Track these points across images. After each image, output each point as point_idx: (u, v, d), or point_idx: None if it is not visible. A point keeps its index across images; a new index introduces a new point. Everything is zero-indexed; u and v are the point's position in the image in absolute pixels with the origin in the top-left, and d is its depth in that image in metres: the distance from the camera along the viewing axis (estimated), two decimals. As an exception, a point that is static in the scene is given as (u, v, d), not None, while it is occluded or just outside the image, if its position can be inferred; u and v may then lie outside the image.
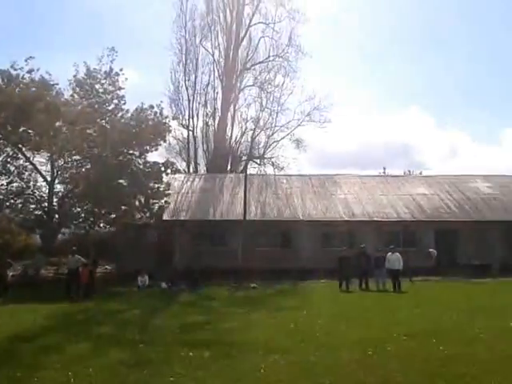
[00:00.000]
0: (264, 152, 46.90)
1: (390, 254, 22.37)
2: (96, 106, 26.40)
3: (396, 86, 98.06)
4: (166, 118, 27.69)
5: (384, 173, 41.57)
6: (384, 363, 8.78)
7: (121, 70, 27.11)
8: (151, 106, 27.06)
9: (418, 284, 23.79)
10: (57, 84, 26.65)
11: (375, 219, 30.19)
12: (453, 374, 8.06)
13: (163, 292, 22.20)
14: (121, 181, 26.52)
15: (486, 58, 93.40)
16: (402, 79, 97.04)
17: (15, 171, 27.47)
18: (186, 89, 48.10)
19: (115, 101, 27.09)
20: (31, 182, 28.21)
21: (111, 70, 26.96)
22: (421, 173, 46.16)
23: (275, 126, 47.58)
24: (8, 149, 26.84)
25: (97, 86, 27.08)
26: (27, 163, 27.65)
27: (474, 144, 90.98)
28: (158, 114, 27.03)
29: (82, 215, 27.69)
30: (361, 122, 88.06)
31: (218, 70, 48.50)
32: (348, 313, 14.87)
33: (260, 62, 47.59)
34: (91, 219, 27.55)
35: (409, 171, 46.93)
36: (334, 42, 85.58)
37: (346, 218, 30.23)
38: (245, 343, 10.43)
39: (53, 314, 15.34)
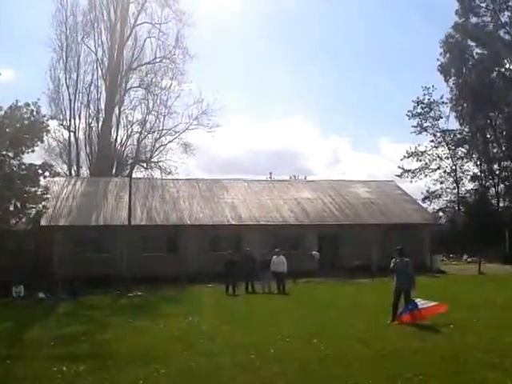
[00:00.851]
0: (151, 156, 45.97)
1: (275, 256, 22.60)
2: (-37, 102, 24.33)
3: (281, 93, 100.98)
4: (44, 117, 26.04)
5: (270, 178, 42.41)
6: (266, 366, 8.75)
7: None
8: (27, 104, 25.24)
9: (301, 285, 24.46)
10: None
11: (261, 223, 30.64)
12: (333, 374, 8.19)
13: (40, 303, 20.89)
14: (-8, 184, 24.63)
15: (363, 69, 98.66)
16: (287, 87, 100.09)
17: None
18: (67, 87, 45.76)
19: (-13, 98, 25.17)
20: None
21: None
22: (305, 178, 47.74)
23: (162, 130, 46.80)
24: None
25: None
26: None
27: (354, 151, 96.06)
28: (34, 113, 25.42)
29: None
30: (248, 128, 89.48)
31: (102, 70, 46.76)
32: (233, 317, 14.81)
33: (146, 63, 46.61)
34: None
35: (294, 176, 48.37)
36: (221, 46, 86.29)
37: (233, 222, 30.40)
38: (124, 354, 9.95)
39: None
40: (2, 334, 13.10)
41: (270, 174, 44.34)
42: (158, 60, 46.39)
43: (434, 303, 13.08)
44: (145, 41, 47.29)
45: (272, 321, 13.80)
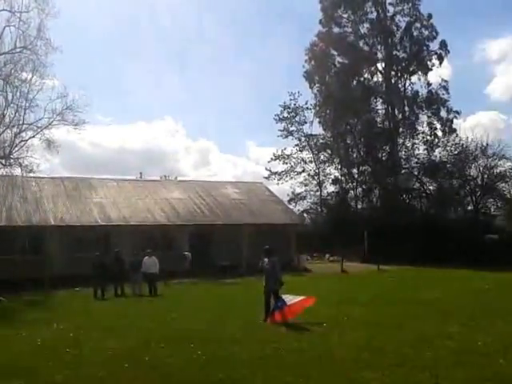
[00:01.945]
0: (10, 152, 43.05)
1: (146, 257, 22.36)
2: None
3: (150, 94, 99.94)
4: None
5: (141, 178, 41.84)
6: (142, 376, 8.55)
7: None
8: None
9: (173, 287, 24.33)
10: None
11: (132, 223, 30.22)
12: (213, 380, 8.21)
13: None
14: None
15: (231, 73, 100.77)
16: (155, 88, 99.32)
17: None
18: None
19: None
20: None
21: None
22: (176, 178, 47.74)
23: (23, 124, 44.00)
24: None
25: None
26: None
27: (222, 153, 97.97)
28: None
29: None
30: (116, 128, 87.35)
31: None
32: (103, 323, 14.33)
33: (5, 53, 43.63)
34: None
35: (165, 176, 48.15)
36: (87, 40, 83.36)
37: (102, 223, 29.60)
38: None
39: None
40: None
41: (141, 173, 43.73)
42: (18, 50, 43.42)
43: (301, 298, 13.65)
44: (3, 29, 44.14)
45: (145, 325, 13.59)
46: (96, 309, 18.29)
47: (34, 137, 44.34)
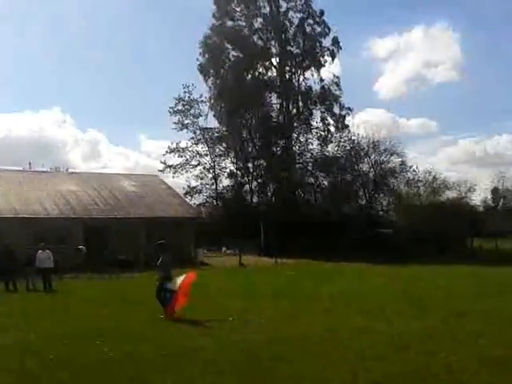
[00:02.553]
0: None
1: (40, 251, 21.38)
2: None
3: (36, 83, 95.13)
4: None
5: (30, 169, 39.80)
6: (48, 374, 8.08)
7: None
8: None
9: (68, 282, 23.53)
10: None
11: (22, 215, 28.90)
12: (122, 379, 7.95)
13: None
14: None
15: (124, 66, 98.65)
16: (43, 76, 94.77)
17: None
18: None
19: None
20: None
21: None
22: (67, 170, 45.95)
23: None
24: None
25: None
26: None
27: (113, 145, 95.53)
28: None
29: None
30: (2, 116, 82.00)
31: None
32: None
33: None
34: None
35: (55, 168, 46.07)
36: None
37: (-12, 215, 28.10)
38: None
39: None
40: None
41: (30, 164, 41.50)
42: None
43: (182, 277, 13.34)
44: None
45: (44, 322, 12.92)
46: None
47: None
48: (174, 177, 50.92)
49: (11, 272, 20.96)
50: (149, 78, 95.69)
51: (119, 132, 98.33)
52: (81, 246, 28.23)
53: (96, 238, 30.31)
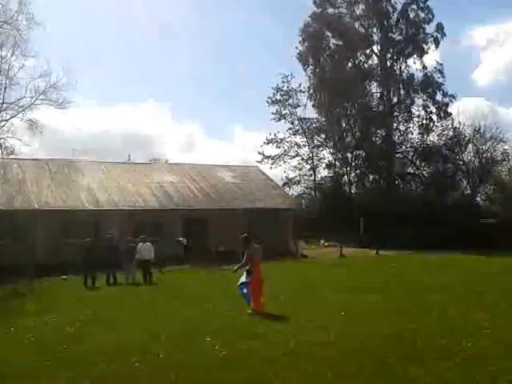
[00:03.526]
0: (-11, 133, 40.28)
1: (140, 243, 20.33)
2: None
3: (133, 76, 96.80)
4: None
5: (129, 161, 39.17)
6: (158, 376, 6.85)
7: None
8: None
9: (168, 274, 22.44)
10: None
11: (121, 207, 27.84)
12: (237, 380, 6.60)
13: None
14: None
15: (218, 56, 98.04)
16: (138, 70, 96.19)
17: None
18: None
19: None
20: None
21: None
22: (166, 161, 45.13)
23: (3, 103, 41.15)
24: None
25: None
26: None
27: (208, 138, 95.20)
28: None
29: None
30: (98, 110, 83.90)
31: None
32: (98, 314, 12.33)
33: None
34: None
35: (154, 160, 45.48)
36: (71, 16, 79.71)
37: (90, 207, 27.25)
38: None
39: None
40: None
41: (129, 156, 41.21)
42: (-4, 25, 40.60)
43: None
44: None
45: (146, 317, 11.67)
46: (88, 299, 16.14)
47: (14, 116, 41.81)
48: (271, 168, 49.04)
49: (112, 265, 19.88)
50: (244, 68, 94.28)
51: (214, 124, 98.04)
52: (181, 238, 26.93)
53: (195, 230, 28.72)
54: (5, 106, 40.85)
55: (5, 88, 41.40)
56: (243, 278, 12.00)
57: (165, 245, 24.76)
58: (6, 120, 41.63)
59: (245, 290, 11.86)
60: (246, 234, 12.91)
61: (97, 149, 68.07)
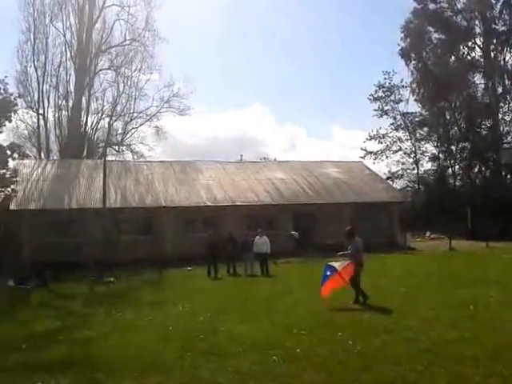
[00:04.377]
0: (122, 139, 42.93)
1: (257, 237, 20.44)
2: None
3: (242, 81, 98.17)
4: (11, 95, 23.01)
5: (241, 160, 39.87)
6: (299, 373, 6.57)
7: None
8: (-7, 81, 22.23)
9: (282, 266, 22.30)
10: None
11: (237, 203, 28.35)
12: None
13: (10, 291, 17.95)
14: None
15: (316, 59, 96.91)
16: (244, 76, 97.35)
17: None
18: (35, 69, 41.76)
19: None
20: None
21: None
22: (275, 159, 45.47)
23: (133, 113, 43.75)
24: None
25: None
26: None
27: (308, 137, 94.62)
28: (1, 90, 22.30)
29: None
30: (207, 116, 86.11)
31: (71, 52, 42.91)
32: (226, 304, 12.41)
33: (116, 46, 43.24)
34: None
35: (264, 158, 46.02)
36: (189, 29, 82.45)
37: (209, 203, 28.01)
38: (114, 360, 7.57)
39: None
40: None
41: (241, 156, 41.89)
42: (127, 42, 43.10)
43: (345, 263, 11.84)
44: (114, 23, 43.86)
45: (272, 308, 11.54)
46: (213, 289, 16.44)
47: (143, 124, 44.39)
48: (374, 163, 47.66)
49: (233, 257, 20.37)
50: (340, 68, 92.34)
51: (314, 125, 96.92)
52: (294, 232, 26.67)
53: (304, 224, 28.54)
54: (134, 115, 43.67)
55: (134, 99, 44.16)
56: (335, 264, 11.96)
57: (277, 238, 24.86)
58: (136, 128, 44.45)
59: (328, 273, 11.82)
60: (349, 227, 12.81)
61: (209, 153, 70.32)
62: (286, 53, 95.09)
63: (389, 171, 47.71)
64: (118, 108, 43.73)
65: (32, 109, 41.39)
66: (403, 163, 47.88)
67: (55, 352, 8.31)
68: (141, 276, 20.20)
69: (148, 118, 43.29)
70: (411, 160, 47.88)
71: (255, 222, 25.46)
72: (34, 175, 28.37)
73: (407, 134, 47.48)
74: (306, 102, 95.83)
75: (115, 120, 43.70)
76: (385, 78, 46.32)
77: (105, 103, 43.94)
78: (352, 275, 11.69)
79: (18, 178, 24.23)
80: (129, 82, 43.72)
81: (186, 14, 78.99)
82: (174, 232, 26.47)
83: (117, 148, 41.67)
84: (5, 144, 23.59)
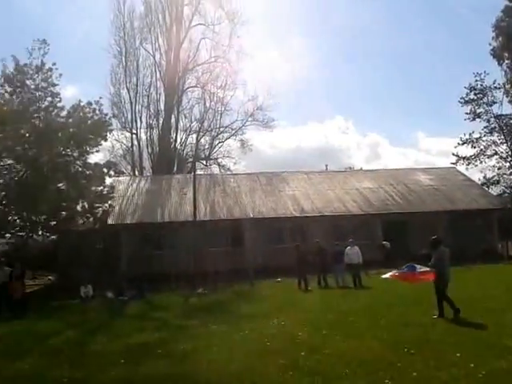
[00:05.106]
0: (209, 153, 43.80)
1: (348, 247, 19.67)
2: (28, 103, 22.46)
3: (323, 94, 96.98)
4: (107, 115, 24.11)
5: (326, 169, 39.17)
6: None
7: (54, 64, 23.19)
8: (89, 103, 23.39)
9: (374, 278, 21.08)
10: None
11: (325, 214, 27.68)
12: None
13: (109, 303, 18.41)
14: (59, 184, 22.80)
15: (398, 66, 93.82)
16: (325, 88, 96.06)
17: None
18: (128, 91, 43.87)
19: (49, 98, 23.14)
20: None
21: (43, 64, 22.97)
22: (361, 169, 44.33)
23: (220, 127, 44.58)
24: None
25: (28, 82, 22.95)
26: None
27: (393, 147, 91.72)
28: (97, 111, 23.41)
29: (19, 223, 23.55)
30: (288, 130, 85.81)
31: (160, 72, 44.65)
32: (325, 318, 11.67)
33: (202, 63, 44.45)
34: (28, 227, 23.49)
35: (350, 168, 44.97)
36: (270, 43, 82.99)
37: (296, 214, 27.58)
38: (213, 377, 7.17)
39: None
40: (67, 345, 10.47)
41: (326, 166, 41.19)
42: (212, 60, 44.12)
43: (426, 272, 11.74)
44: (199, 42, 45.15)
45: (373, 323, 10.68)
46: (307, 301, 15.74)
47: (229, 138, 45.14)
48: (467, 169, 44.63)
49: (322, 268, 19.68)
50: (424, 76, 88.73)
51: (398, 133, 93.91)
52: (385, 242, 25.56)
53: (395, 233, 27.22)
54: (221, 129, 44.56)
55: (220, 114, 45.12)
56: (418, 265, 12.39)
57: (366, 248, 23.88)
58: (222, 142, 45.29)
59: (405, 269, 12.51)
60: (435, 237, 12.22)
61: (292, 163, 69.91)
62: (366, 60, 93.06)
63: (484, 177, 44.68)
64: (205, 124, 44.74)
65: (126, 129, 43.40)
66: (499, 168, 44.63)
67: (154, 367, 8.09)
68: (231, 288, 20.06)
69: (233, 132, 43.82)
70: (507, 164, 44.59)
71: (343, 233, 24.71)
72: (129, 191, 29.47)
73: (502, 137, 44.24)
74: (389, 111, 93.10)
75: (202, 135, 44.73)
76: (476, 80, 43.55)
77: (192, 119, 45.17)
78: (436, 287, 11.17)
79: (114, 194, 25.21)
80: (215, 98, 44.66)
81: (267, 29, 79.57)
82: (262, 243, 26.25)
83: (205, 162, 42.55)
84: (101, 162, 24.79)
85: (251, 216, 27.09)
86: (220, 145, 44.78)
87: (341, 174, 35.25)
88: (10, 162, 23.15)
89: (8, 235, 24.51)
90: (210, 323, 11.87)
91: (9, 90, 22.84)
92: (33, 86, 22.93)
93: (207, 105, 44.72)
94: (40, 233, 24.79)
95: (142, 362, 8.51)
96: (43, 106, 22.99)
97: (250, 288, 20.11)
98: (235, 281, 21.08)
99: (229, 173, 32.14)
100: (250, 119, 44.32)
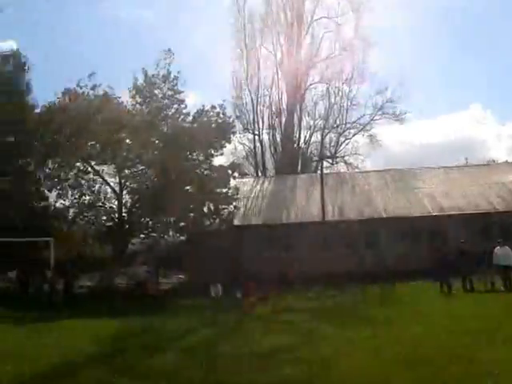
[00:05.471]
0: (335, 151, 42.47)
1: (497, 248, 17.67)
2: (156, 112, 23.52)
3: (457, 82, 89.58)
4: (230, 117, 24.39)
5: (466, 163, 35.86)
6: None
7: (178, 72, 24.11)
8: (213, 107, 23.85)
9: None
10: (119, 97, 24.39)
11: (467, 212, 25.17)
12: None
13: (237, 303, 18.35)
14: (187, 187, 23.48)
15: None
16: (463, 75, 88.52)
17: (86, 184, 25.19)
18: (249, 92, 44.05)
19: (175, 105, 24.03)
20: (101, 194, 25.70)
21: (169, 72, 23.93)
22: (506, 161, 40.00)
23: (346, 123, 42.99)
24: (78, 163, 24.67)
25: (156, 92, 24.11)
26: (96, 176, 25.19)
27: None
28: (220, 115, 23.72)
29: (151, 225, 24.75)
30: (416, 123, 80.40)
31: (281, 71, 44.08)
32: (472, 323, 10.31)
33: (325, 58, 43.02)
34: (160, 228, 24.55)
35: (493, 160, 40.79)
36: (399, 31, 78.26)
37: (434, 213, 25.43)
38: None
39: (106, 334, 11.70)
40: (200, 345, 10.27)
41: (466, 159, 37.83)
42: (336, 53, 42.58)
43: None
44: (322, 36, 43.90)
45: None
46: (453, 306, 14.11)
47: (356, 134, 43.30)
48: None
49: (466, 271, 17.79)
50: None
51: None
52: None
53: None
54: (347, 125, 42.88)
55: (346, 110, 43.55)
56: None
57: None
58: (349, 138, 43.68)
59: None
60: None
61: (424, 158, 65.11)
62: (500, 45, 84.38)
63: None
64: (330, 120, 43.48)
65: (248, 130, 43.72)
66: None
67: (290, 373, 7.41)
68: (365, 290, 18.96)
69: (361, 127, 42.09)
70: None
71: (489, 231, 22.37)
72: (253, 192, 29.44)
73: None
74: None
75: (328, 133, 43.50)
76: None
77: (316, 117, 44.13)
78: None
79: (239, 196, 25.32)
80: (340, 93, 43.27)
81: (395, 15, 75.06)
82: (396, 244, 24.58)
83: (331, 160, 41.28)
84: (225, 165, 25.07)
85: (384, 216, 25.52)
86: (347, 142, 43.33)
87: (482, 167, 32.01)
88: (141, 167, 24.38)
89: (142, 236, 25.86)
90: (342, 327, 11.01)
91: (139, 100, 24.04)
92: (160, 95, 24.05)
93: (332, 100, 43.40)
94: (170, 233, 25.67)
95: (276, 366, 7.91)
96: (170, 113, 23.92)
97: (389, 291, 18.66)
98: (367, 283, 19.87)
99: (357, 170, 30.67)
100: (379, 113, 42.21)
